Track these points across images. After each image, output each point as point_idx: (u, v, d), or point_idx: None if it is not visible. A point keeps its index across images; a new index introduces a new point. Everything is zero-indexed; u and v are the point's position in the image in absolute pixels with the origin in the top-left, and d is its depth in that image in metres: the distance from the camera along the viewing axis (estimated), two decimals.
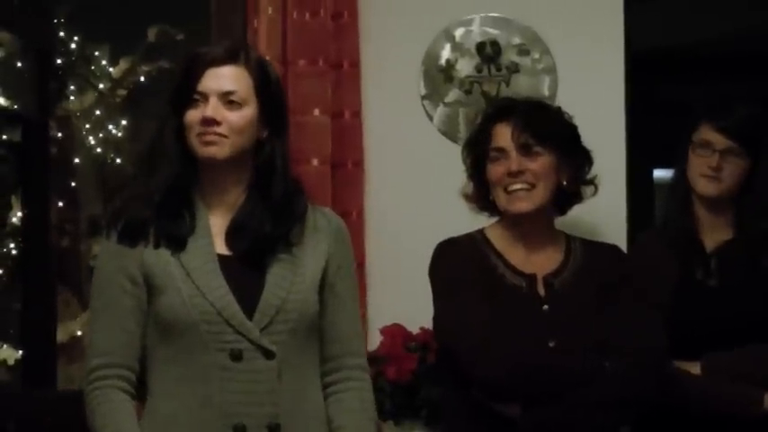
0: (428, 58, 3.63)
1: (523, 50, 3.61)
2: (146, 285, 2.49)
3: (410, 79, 3.63)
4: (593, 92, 3.44)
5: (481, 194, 3.09)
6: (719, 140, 3.14)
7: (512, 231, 3.04)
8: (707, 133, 3.15)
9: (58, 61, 5.33)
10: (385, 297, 3.55)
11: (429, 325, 3.20)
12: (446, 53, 3.63)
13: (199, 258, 2.49)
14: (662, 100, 5.17)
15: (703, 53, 5.35)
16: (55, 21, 5.28)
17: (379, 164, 3.60)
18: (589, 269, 3.02)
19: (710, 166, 3.13)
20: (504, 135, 3.00)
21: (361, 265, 3.51)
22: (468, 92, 3.62)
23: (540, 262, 3.02)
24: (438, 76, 3.63)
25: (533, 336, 2.90)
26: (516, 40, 3.61)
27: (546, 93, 3.54)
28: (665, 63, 5.13)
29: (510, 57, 3.61)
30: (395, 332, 3.41)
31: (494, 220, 3.12)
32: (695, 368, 3.08)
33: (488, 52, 3.62)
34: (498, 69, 3.61)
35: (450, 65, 3.62)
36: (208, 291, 2.46)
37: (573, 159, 3.05)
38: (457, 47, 3.63)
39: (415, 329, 3.40)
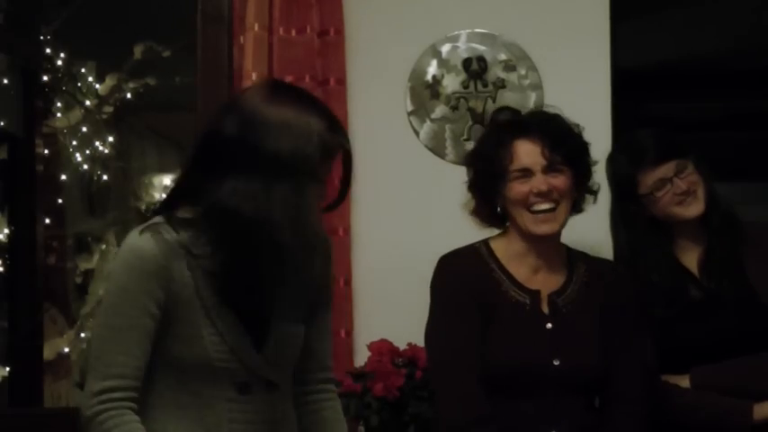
0: (414, 75, 3.64)
1: (510, 66, 3.62)
2: (165, 308, 2.37)
3: (396, 96, 3.63)
4: (579, 108, 3.42)
5: (488, 209, 3.01)
6: (663, 169, 3.11)
7: (520, 247, 2.99)
8: (649, 176, 3.12)
9: (45, 78, 5.32)
10: (372, 313, 3.54)
11: (416, 341, 3.20)
12: (432, 69, 3.64)
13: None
14: (648, 116, 5.19)
15: (689, 71, 5.37)
16: (41, 38, 5.27)
17: (365, 180, 3.60)
18: (591, 288, 3.00)
19: (678, 192, 3.12)
20: (528, 154, 2.92)
21: (348, 281, 3.51)
22: (454, 108, 3.63)
23: (545, 279, 2.99)
24: (424, 93, 3.64)
25: (538, 354, 2.89)
26: (502, 56, 3.62)
27: (532, 108, 3.54)
28: (651, 80, 5.15)
29: (496, 73, 3.62)
30: (382, 348, 3.41)
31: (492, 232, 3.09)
32: (684, 381, 3.08)
33: (475, 68, 3.62)
34: (485, 85, 3.62)
35: (437, 81, 3.63)
36: (225, 331, 2.41)
37: (584, 173, 3.00)
38: (443, 63, 3.63)
39: (402, 345, 3.40)
